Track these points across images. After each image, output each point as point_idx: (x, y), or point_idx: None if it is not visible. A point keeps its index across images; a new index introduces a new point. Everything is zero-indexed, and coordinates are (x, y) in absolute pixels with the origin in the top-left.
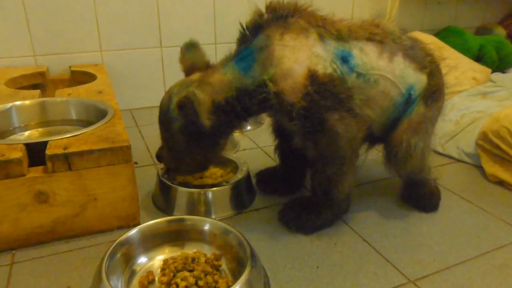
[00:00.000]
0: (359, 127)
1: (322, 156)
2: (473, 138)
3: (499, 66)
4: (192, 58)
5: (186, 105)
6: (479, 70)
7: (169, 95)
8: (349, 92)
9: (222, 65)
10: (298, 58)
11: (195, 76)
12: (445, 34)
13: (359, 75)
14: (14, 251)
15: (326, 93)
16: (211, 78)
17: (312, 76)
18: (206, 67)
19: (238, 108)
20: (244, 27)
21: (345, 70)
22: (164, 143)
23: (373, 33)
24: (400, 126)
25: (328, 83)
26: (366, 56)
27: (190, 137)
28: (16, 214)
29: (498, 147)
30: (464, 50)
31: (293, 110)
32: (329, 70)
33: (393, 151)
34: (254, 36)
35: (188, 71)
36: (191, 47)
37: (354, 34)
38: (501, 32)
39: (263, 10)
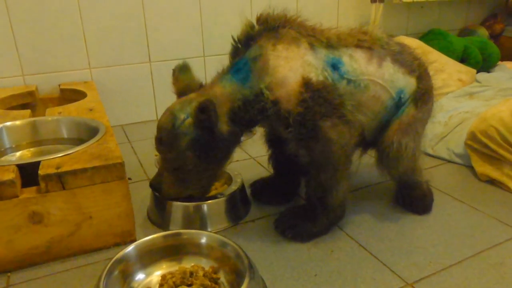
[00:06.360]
0: (351, 134)
1: (316, 162)
2: (462, 139)
3: (483, 66)
4: (185, 79)
5: (209, 107)
6: (465, 71)
7: (171, 114)
8: (341, 99)
9: (219, 79)
10: (292, 66)
11: (193, 95)
12: (430, 37)
13: (349, 81)
14: (9, 274)
15: (320, 99)
16: (211, 92)
17: (307, 84)
18: (199, 87)
19: (246, 117)
20: (236, 39)
21: (336, 77)
22: (167, 167)
23: (362, 40)
24: (391, 127)
25: (322, 90)
26: (356, 62)
27: (201, 151)
28: (10, 235)
29: (487, 146)
30: (449, 51)
31: (289, 117)
32: (321, 78)
33: (384, 151)
34: (246, 48)
35: (181, 93)
36: (183, 69)
37: (343, 42)
38: (483, 32)
39: (253, 22)
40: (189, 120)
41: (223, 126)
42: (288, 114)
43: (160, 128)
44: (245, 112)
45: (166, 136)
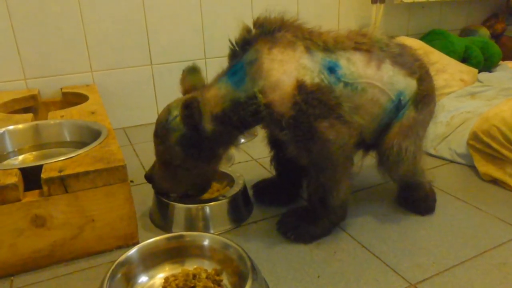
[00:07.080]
0: (350, 134)
1: (315, 163)
2: (464, 139)
3: (485, 66)
4: (192, 80)
5: (193, 103)
6: (466, 71)
7: (167, 109)
8: (337, 100)
9: (216, 81)
10: (286, 70)
11: (192, 94)
12: (431, 37)
13: (346, 84)
14: (12, 277)
15: (314, 101)
16: (207, 93)
17: (300, 86)
18: (203, 88)
19: (234, 119)
20: (234, 43)
21: (332, 80)
22: (158, 159)
23: (360, 43)
24: (391, 130)
25: (316, 92)
26: (354, 65)
27: (189, 147)
28: (13, 239)
29: (489, 146)
30: (450, 52)
31: (282, 120)
32: (317, 80)
33: (385, 155)
34: (244, 51)
35: (187, 92)
36: (192, 71)
37: (341, 45)
38: (485, 32)
39: (251, 25)
40: (180, 116)
41: (207, 125)
42: (281, 117)
43: (157, 121)
44: (234, 113)
45: (160, 130)
